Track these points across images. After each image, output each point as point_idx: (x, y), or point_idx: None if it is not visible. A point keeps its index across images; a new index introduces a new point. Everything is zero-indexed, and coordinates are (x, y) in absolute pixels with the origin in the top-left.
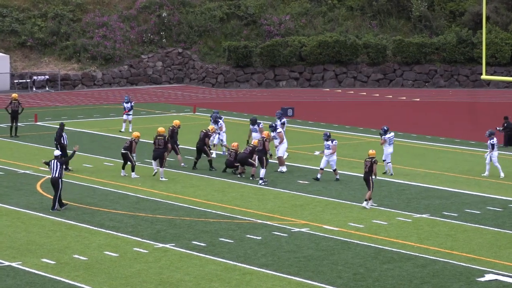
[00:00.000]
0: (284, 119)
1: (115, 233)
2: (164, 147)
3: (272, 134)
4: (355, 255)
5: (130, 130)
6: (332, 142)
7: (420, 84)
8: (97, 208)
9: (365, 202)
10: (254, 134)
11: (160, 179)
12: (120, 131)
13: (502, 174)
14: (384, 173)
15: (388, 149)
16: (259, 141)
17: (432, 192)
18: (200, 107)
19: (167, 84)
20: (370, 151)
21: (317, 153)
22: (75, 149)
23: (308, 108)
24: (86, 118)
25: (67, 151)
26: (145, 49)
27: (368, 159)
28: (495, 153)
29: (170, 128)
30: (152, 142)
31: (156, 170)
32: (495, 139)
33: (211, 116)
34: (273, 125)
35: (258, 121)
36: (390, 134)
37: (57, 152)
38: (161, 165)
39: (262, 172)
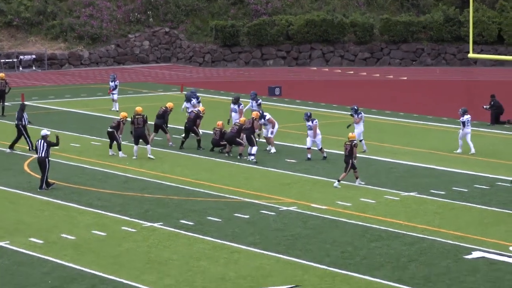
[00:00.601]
0: (260, 100)
1: (103, 212)
2: (144, 126)
3: (262, 121)
4: (343, 234)
5: (117, 109)
6: (313, 122)
7: (407, 62)
8: (85, 188)
9: (337, 183)
10: (233, 114)
11: (148, 156)
12: (111, 110)
13: (472, 150)
14: (364, 151)
15: (361, 128)
16: (247, 120)
17: (419, 171)
18: (187, 86)
19: (154, 64)
20: (350, 134)
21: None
22: (58, 139)
23: (295, 87)
24: (73, 97)
25: (27, 132)
26: (132, 28)
27: (348, 143)
28: (468, 130)
29: (163, 108)
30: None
31: (136, 156)
32: (468, 116)
33: (185, 95)
34: (261, 112)
35: (240, 101)
36: (361, 115)
37: (44, 132)
38: (147, 142)
39: (254, 149)
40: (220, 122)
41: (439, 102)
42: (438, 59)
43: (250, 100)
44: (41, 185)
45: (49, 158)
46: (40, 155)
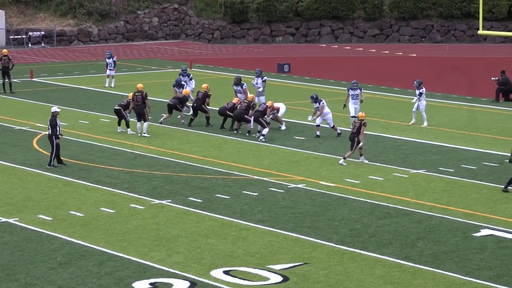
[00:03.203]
0: (265, 77)
1: (111, 190)
2: (143, 103)
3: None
4: (351, 211)
5: (113, 86)
6: (320, 103)
7: (416, 39)
8: (93, 165)
9: (342, 160)
10: (239, 95)
11: (143, 134)
12: (105, 86)
13: (425, 123)
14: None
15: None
16: (262, 104)
17: (428, 148)
18: (196, 63)
19: (163, 40)
20: (360, 114)
21: (310, 118)
22: (58, 142)
23: (304, 64)
24: (82, 74)
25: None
26: (141, 4)
27: (358, 121)
28: (424, 102)
29: (202, 92)
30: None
31: (140, 132)
32: (423, 88)
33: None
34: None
35: (242, 82)
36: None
37: (55, 109)
38: (145, 120)
39: (265, 130)
40: (237, 99)
41: (448, 79)
42: (448, 36)
43: (255, 77)
44: (50, 161)
45: (60, 136)
46: (50, 132)
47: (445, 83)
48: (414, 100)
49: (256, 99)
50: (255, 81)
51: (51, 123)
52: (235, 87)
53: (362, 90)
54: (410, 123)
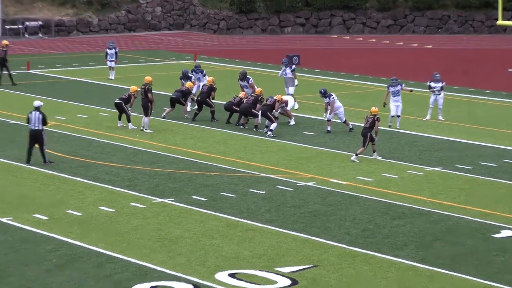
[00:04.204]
0: (294, 66)
1: (111, 187)
2: (145, 97)
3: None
4: (364, 211)
5: (113, 78)
6: (329, 98)
7: (432, 30)
8: (92, 161)
9: (354, 157)
10: (246, 90)
11: (144, 130)
12: (108, 79)
13: (441, 117)
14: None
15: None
16: (270, 98)
17: (445, 144)
18: (201, 54)
19: (167, 31)
20: (373, 108)
21: (325, 116)
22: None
23: (314, 55)
24: (81, 66)
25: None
26: None
27: (371, 116)
28: (442, 95)
29: (207, 85)
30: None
31: (142, 127)
32: (443, 82)
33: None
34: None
35: (247, 76)
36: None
37: (38, 103)
38: (145, 114)
39: (273, 125)
40: (244, 93)
41: (465, 72)
42: (465, 26)
43: (282, 66)
44: (44, 158)
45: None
46: (35, 127)
47: (461, 76)
48: (432, 97)
49: (286, 90)
50: (283, 71)
51: (38, 117)
52: (240, 82)
53: (404, 86)
54: (424, 119)
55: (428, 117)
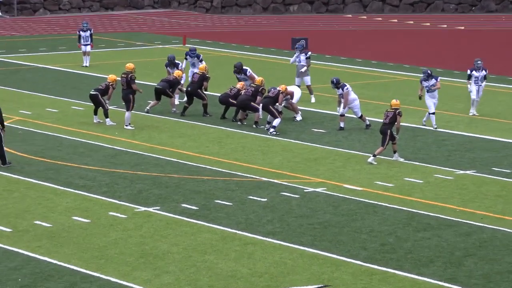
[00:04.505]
0: (309, 52)
1: (86, 194)
2: (127, 88)
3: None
4: (382, 221)
5: (87, 65)
6: (343, 89)
7: (465, 8)
8: (63, 163)
9: (372, 158)
10: (246, 83)
11: (125, 126)
12: (82, 66)
13: (474, 111)
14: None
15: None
16: (273, 89)
17: (479, 143)
18: (191, 37)
19: (151, 9)
20: (394, 101)
21: (339, 110)
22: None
23: (325, 38)
24: (50, 51)
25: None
26: None
27: (391, 110)
28: (483, 86)
29: (199, 74)
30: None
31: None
32: (486, 70)
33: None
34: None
35: (244, 68)
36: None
37: None
38: (127, 108)
39: (276, 121)
40: (242, 83)
41: (505, 58)
42: (505, 3)
43: (296, 52)
44: (3, 159)
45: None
46: None
47: (501, 63)
48: (470, 87)
49: (298, 81)
50: (297, 58)
51: None
52: (237, 76)
53: (439, 80)
54: (470, 114)
55: (472, 110)
